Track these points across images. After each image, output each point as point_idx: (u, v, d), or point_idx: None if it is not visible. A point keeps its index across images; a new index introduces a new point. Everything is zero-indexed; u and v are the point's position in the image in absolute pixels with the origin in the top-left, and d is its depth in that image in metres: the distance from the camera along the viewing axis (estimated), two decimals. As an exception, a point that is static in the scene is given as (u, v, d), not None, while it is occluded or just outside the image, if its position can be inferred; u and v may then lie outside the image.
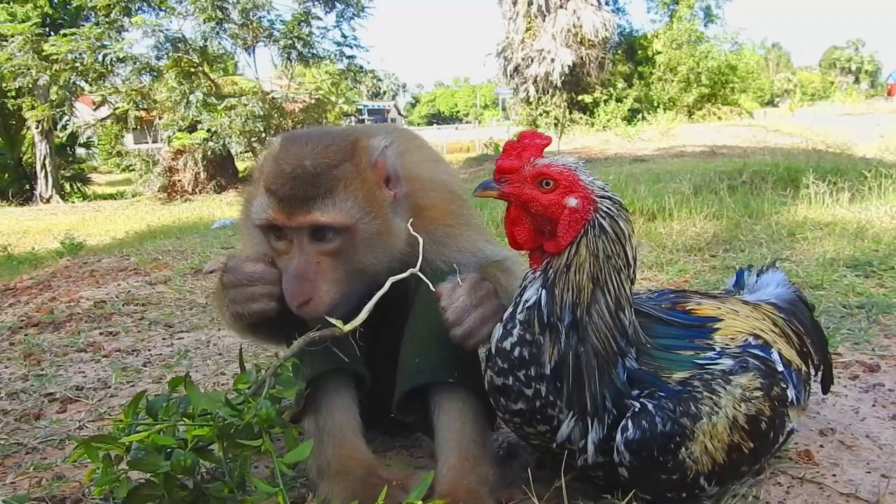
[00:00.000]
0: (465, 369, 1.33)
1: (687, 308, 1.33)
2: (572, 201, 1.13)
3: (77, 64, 14.90)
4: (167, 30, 15.31)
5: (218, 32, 15.33)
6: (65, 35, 14.80)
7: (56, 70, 14.78)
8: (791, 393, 1.30)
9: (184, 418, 1.16)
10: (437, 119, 69.78)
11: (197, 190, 15.76)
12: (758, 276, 1.64)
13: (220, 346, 2.56)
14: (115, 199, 17.86)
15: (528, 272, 1.19)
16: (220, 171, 16.18)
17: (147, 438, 1.12)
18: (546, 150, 1.17)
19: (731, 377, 1.18)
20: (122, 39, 15.20)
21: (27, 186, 19.25)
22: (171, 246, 5.25)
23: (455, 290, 1.26)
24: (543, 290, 1.15)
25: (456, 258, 1.40)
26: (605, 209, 1.14)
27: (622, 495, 1.18)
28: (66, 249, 6.34)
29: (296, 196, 1.24)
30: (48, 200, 17.74)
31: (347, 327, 1.25)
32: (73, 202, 18.14)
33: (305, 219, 1.24)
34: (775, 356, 1.29)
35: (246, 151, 15.99)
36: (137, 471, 1.15)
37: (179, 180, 15.88)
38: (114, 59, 14.98)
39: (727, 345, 1.25)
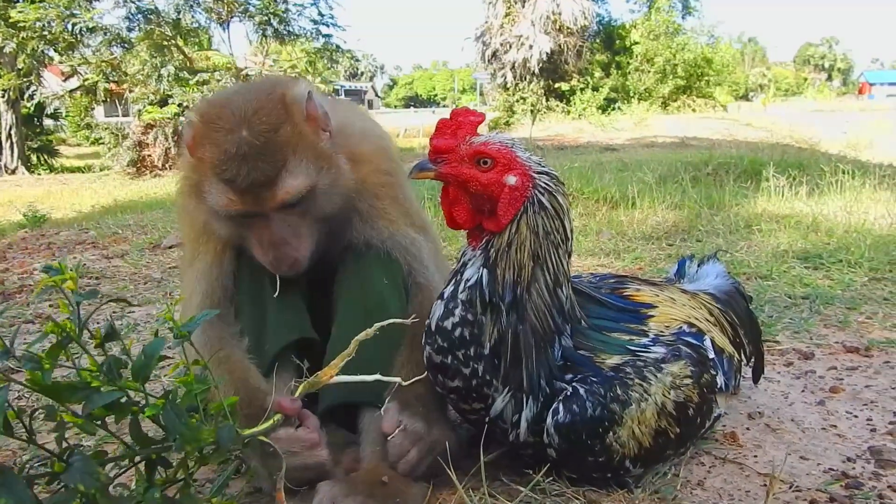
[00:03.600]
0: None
1: (625, 294, 1.35)
2: (512, 179, 1.13)
3: (45, 32, 14.50)
4: (139, 1, 14.95)
5: (191, 6, 15.04)
6: (33, 2, 14.34)
7: (23, 38, 14.33)
8: (721, 380, 1.32)
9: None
10: (414, 102, 69.39)
11: (167, 165, 15.44)
12: (698, 266, 1.67)
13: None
14: (83, 172, 17.44)
15: (466, 249, 1.18)
16: (191, 146, 15.87)
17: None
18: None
19: (662, 365, 1.20)
20: (93, 9, 14.78)
21: (-9, 156, 18.75)
22: (131, 220, 5.16)
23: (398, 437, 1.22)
24: (485, 270, 1.14)
25: (370, 235, 1.41)
26: (542, 185, 1.14)
27: (545, 471, 1.20)
28: (28, 222, 6.19)
29: (256, 182, 1.22)
30: (13, 172, 17.30)
31: None
32: (40, 174, 17.68)
33: (274, 202, 1.24)
34: (707, 343, 1.31)
35: (217, 128, 15.67)
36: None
37: (149, 155, 15.51)
38: (83, 28, 14.61)
39: (661, 332, 1.27)
